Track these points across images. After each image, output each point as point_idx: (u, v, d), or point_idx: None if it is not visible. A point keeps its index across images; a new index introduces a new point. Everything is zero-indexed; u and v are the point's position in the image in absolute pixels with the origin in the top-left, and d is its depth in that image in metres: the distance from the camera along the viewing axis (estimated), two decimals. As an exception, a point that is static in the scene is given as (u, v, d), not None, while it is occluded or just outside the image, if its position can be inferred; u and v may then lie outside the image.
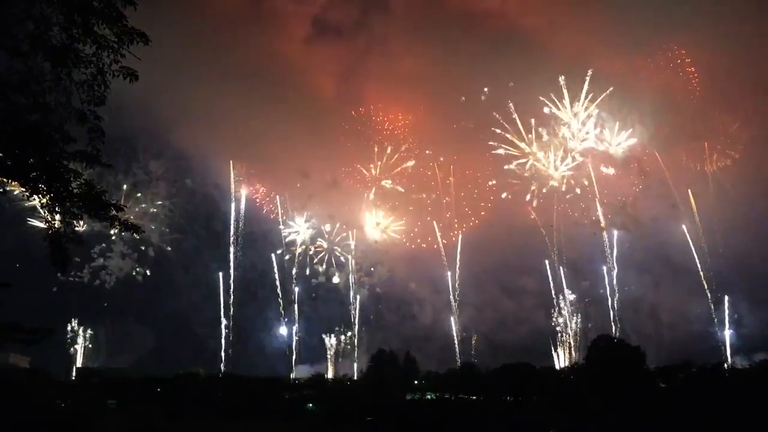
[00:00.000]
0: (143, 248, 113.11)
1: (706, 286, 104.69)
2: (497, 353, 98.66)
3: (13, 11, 16.10)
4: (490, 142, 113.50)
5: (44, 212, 17.57)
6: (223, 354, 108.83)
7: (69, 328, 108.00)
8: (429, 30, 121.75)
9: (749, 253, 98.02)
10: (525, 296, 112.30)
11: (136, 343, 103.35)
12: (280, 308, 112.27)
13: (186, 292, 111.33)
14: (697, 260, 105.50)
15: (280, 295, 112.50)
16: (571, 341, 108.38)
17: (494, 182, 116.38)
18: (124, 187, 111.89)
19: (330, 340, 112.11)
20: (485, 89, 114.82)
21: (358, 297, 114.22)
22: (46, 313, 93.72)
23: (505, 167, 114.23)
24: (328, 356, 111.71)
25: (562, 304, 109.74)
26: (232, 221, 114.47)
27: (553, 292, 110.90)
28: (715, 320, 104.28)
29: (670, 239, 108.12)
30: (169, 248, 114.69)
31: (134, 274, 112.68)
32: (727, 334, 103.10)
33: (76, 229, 17.78)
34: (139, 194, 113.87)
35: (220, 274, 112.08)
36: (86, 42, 16.54)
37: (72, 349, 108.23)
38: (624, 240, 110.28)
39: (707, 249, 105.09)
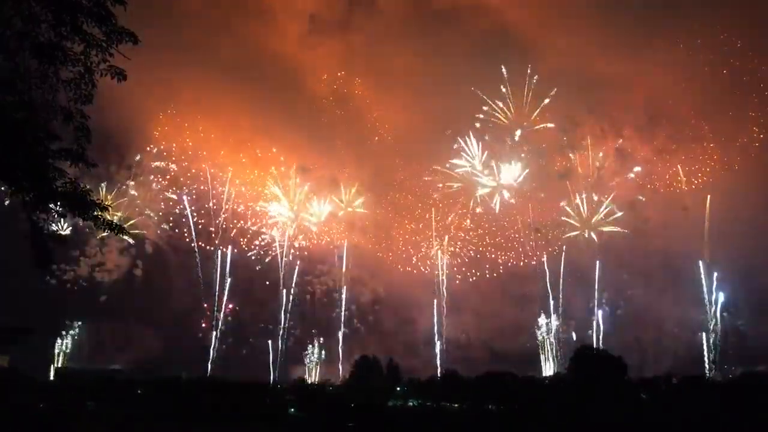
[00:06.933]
0: (134, 243, 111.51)
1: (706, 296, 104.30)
2: (486, 360, 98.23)
3: (1, 8, 15.98)
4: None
5: (28, 210, 17.41)
6: (212, 355, 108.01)
7: (58, 326, 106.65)
8: (417, 27, 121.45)
9: (751, 262, 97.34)
10: (517, 303, 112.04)
11: (130, 343, 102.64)
12: (281, 311, 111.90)
13: (184, 291, 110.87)
14: (701, 266, 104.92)
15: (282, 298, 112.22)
16: (549, 351, 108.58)
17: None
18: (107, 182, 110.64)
19: (315, 345, 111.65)
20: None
21: (343, 298, 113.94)
22: (37, 312, 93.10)
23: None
24: (314, 361, 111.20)
25: (543, 316, 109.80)
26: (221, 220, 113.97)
27: (550, 297, 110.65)
28: (706, 331, 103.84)
29: (671, 245, 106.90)
30: (164, 244, 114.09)
31: (133, 271, 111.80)
32: (705, 343, 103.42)
33: (61, 232, 17.68)
34: (132, 185, 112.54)
35: (216, 273, 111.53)
36: (74, 40, 16.48)
37: (57, 348, 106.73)
38: (621, 245, 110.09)
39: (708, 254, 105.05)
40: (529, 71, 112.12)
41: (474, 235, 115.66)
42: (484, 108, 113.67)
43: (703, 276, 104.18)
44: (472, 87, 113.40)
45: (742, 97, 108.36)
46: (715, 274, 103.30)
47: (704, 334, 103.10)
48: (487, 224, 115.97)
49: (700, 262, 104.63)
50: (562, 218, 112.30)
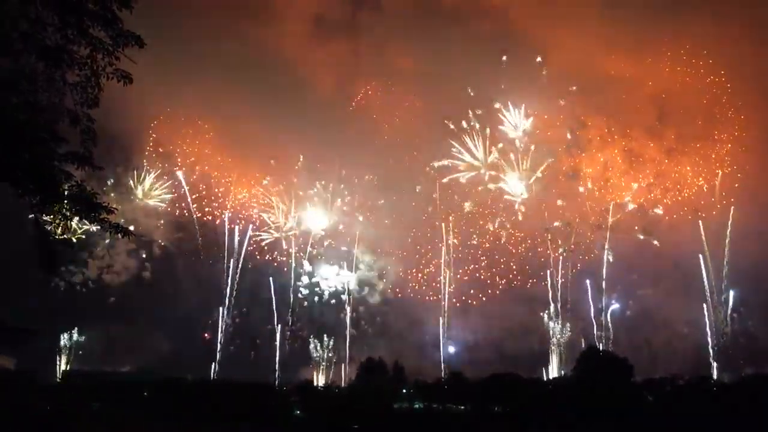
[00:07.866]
0: (142, 245, 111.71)
1: (708, 296, 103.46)
2: (494, 362, 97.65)
3: (6, 10, 16.00)
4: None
5: (34, 212, 17.41)
6: (218, 357, 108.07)
7: (66, 328, 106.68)
8: (422, 27, 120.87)
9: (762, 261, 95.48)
10: (526, 304, 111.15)
11: (139, 345, 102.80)
12: (288, 314, 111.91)
13: (191, 293, 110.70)
14: (710, 266, 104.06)
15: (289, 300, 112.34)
16: (557, 352, 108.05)
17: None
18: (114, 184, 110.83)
19: (321, 347, 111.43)
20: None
21: (350, 299, 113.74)
22: (45, 313, 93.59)
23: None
24: (321, 363, 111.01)
25: (553, 315, 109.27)
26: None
27: (559, 298, 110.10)
28: (713, 331, 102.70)
29: (680, 244, 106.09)
30: (172, 246, 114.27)
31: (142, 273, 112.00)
32: (710, 344, 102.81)
33: (67, 236, 17.66)
34: (137, 188, 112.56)
35: (224, 275, 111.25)
36: (81, 44, 16.49)
37: (65, 350, 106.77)
38: (630, 245, 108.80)
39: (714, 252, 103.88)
40: (537, 62, 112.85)
41: (480, 248, 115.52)
42: (488, 109, 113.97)
43: (711, 276, 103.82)
44: (475, 87, 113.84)
45: (748, 94, 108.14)
46: (725, 273, 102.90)
47: (708, 334, 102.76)
48: (493, 233, 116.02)
49: (709, 262, 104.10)
50: (560, 222, 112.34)
